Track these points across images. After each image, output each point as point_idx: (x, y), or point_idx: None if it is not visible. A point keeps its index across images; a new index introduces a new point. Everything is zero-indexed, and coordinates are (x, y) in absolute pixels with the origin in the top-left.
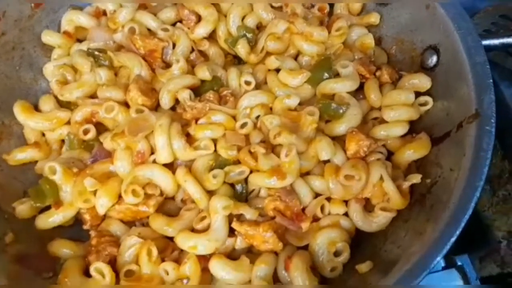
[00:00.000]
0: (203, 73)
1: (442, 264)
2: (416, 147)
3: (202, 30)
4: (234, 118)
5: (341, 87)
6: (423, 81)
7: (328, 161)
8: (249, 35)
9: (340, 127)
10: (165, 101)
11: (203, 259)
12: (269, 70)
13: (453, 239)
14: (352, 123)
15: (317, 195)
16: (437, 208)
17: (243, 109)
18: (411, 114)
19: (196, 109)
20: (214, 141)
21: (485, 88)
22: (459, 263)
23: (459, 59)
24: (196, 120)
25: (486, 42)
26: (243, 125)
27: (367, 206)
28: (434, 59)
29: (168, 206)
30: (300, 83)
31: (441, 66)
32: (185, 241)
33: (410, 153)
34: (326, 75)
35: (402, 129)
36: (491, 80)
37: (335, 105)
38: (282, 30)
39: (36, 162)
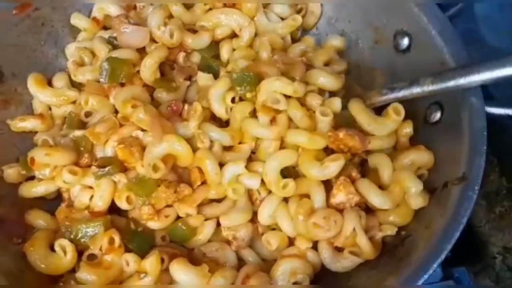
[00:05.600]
0: None
1: (440, 275)
2: (399, 214)
3: None
4: None
5: None
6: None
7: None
8: None
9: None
10: None
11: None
12: None
13: None
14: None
15: None
16: (403, 264)
17: None
18: None
19: None
20: None
21: (477, 153)
22: (456, 275)
23: (459, 120)
24: None
25: (490, 110)
26: None
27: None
28: (438, 115)
29: None
30: None
31: (443, 123)
32: None
33: (391, 218)
34: None
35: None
36: (485, 147)
37: None
38: None
39: (36, 132)
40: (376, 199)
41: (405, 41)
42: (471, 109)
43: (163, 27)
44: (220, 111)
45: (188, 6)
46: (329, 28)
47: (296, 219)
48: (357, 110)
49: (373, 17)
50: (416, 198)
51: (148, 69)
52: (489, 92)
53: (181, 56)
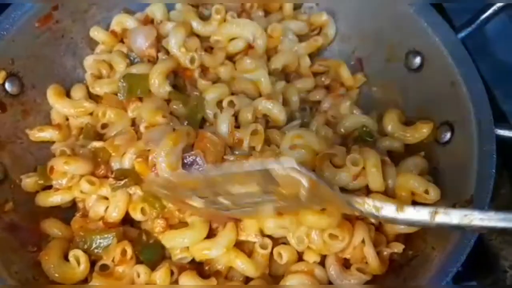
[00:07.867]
0: None
1: None
2: None
3: None
4: None
5: None
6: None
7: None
8: None
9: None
10: None
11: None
12: None
13: None
14: None
15: None
16: (409, 285)
17: None
18: None
19: None
20: None
21: (486, 177)
22: None
23: (469, 143)
24: None
25: (499, 132)
26: None
27: (345, 262)
28: (448, 135)
29: None
30: None
31: (452, 144)
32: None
33: (401, 226)
34: None
35: None
36: (493, 170)
37: None
38: None
39: (54, 142)
40: None
41: (417, 60)
42: (481, 131)
43: (184, 48)
44: None
45: (204, 18)
46: (342, 45)
47: (312, 232)
48: None
49: (386, 35)
50: (431, 190)
51: (153, 83)
52: (502, 110)
53: (197, 72)
